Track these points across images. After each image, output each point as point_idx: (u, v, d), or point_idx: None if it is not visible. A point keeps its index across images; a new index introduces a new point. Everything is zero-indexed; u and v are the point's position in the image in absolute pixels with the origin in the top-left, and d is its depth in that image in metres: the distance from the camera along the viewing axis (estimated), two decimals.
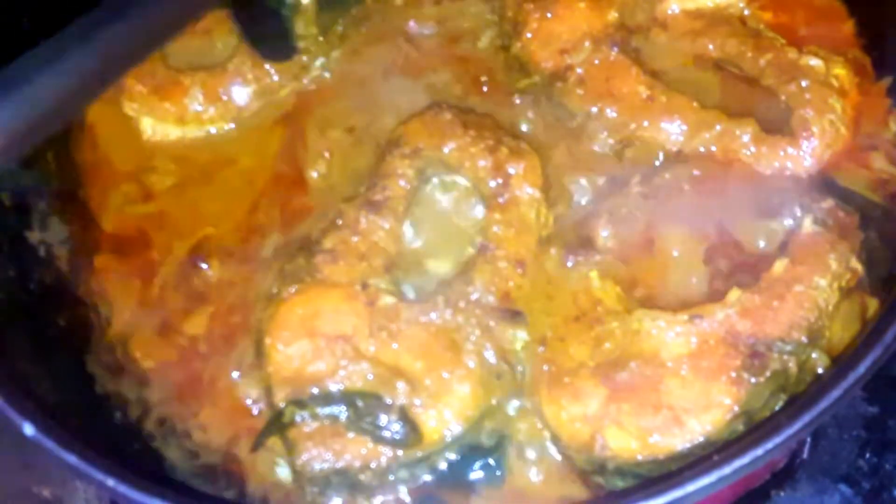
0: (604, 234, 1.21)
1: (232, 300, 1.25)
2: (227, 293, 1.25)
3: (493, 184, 1.24)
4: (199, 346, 1.23)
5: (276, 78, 1.36)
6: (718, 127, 1.25)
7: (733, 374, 1.09)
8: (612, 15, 1.35)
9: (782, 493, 1.42)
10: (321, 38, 1.38)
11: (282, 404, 1.13)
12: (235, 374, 1.20)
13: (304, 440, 1.11)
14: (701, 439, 1.07)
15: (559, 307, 1.18)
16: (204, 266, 1.27)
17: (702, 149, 1.26)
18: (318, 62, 1.39)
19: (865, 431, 1.45)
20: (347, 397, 1.12)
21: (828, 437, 1.45)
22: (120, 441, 1.18)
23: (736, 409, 1.08)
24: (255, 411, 1.18)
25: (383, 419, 1.10)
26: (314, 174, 1.31)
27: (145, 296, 1.26)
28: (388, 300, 1.16)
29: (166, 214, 1.32)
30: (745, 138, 1.24)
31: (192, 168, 1.35)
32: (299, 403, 1.12)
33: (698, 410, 1.08)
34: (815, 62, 1.28)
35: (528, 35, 1.35)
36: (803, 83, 1.26)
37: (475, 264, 1.19)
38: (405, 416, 1.11)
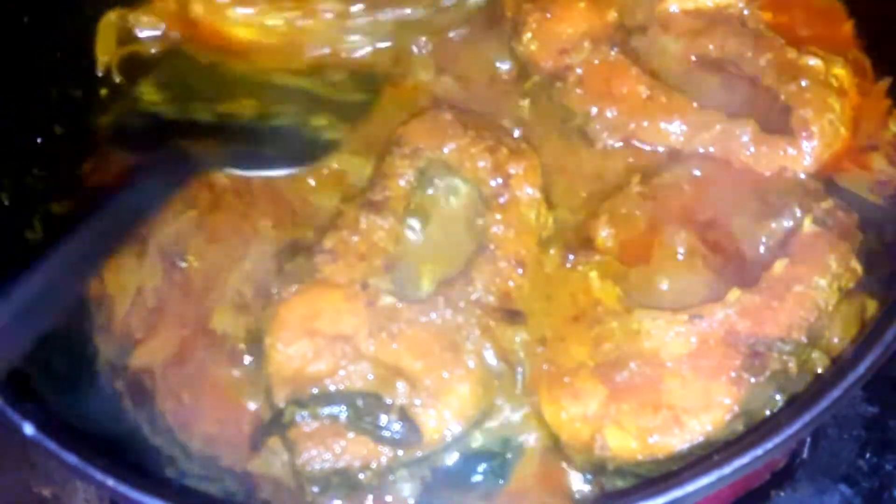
0: (604, 234, 1.21)
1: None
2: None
3: (493, 184, 1.24)
4: (201, 339, 1.22)
5: None
6: (718, 127, 1.25)
7: (733, 374, 1.09)
8: (612, 15, 1.35)
9: (782, 493, 1.42)
10: None
11: (282, 404, 1.13)
12: (237, 373, 1.20)
13: (304, 440, 1.11)
14: (701, 439, 1.07)
15: (559, 307, 1.18)
16: (183, 264, 1.26)
17: (702, 149, 1.26)
18: None
19: (865, 431, 1.45)
20: (347, 397, 1.11)
21: (828, 437, 1.45)
22: (120, 441, 1.18)
23: (736, 409, 1.08)
24: (255, 410, 1.18)
25: (383, 419, 1.10)
26: None
27: (143, 287, 1.25)
28: (388, 300, 1.16)
29: None
30: (745, 138, 1.24)
31: None
32: (299, 403, 1.12)
33: (698, 410, 1.08)
34: (814, 62, 1.28)
35: (528, 35, 1.35)
36: (803, 83, 1.26)
37: (475, 264, 1.19)
38: (405, 416, 1.11)
